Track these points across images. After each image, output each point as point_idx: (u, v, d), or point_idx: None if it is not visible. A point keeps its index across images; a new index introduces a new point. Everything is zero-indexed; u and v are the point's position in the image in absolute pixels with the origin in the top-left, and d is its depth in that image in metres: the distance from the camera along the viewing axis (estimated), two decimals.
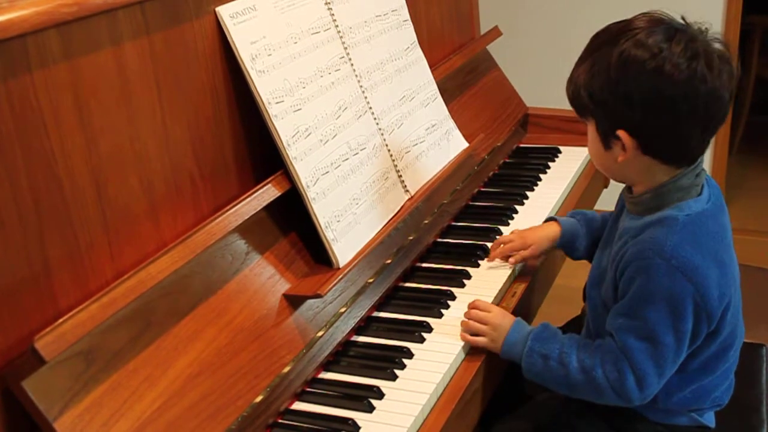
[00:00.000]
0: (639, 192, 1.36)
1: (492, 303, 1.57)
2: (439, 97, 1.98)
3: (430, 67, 1.98)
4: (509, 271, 1.69)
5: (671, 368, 1.32)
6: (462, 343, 1.46)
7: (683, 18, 1.29)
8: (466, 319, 1.48)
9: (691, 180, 1.33)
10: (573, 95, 1.34)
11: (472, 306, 1.49)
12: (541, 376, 1.39)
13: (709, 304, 1.28)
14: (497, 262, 1.71)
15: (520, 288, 1.67)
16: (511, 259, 1.68)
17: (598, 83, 1.28)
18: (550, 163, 2.24)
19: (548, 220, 1.73)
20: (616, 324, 1.33)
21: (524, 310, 1.69)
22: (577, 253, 1.67)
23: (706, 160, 3.61)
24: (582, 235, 1.65)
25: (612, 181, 1.48)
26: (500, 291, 1.63)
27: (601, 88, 1.28)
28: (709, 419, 1.45)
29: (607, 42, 1.28)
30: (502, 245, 1.70)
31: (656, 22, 1.28)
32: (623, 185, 1.43)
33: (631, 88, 1.25)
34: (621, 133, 1.28)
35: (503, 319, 1.45)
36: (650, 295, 1.28)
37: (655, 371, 1.31)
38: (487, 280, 1.67)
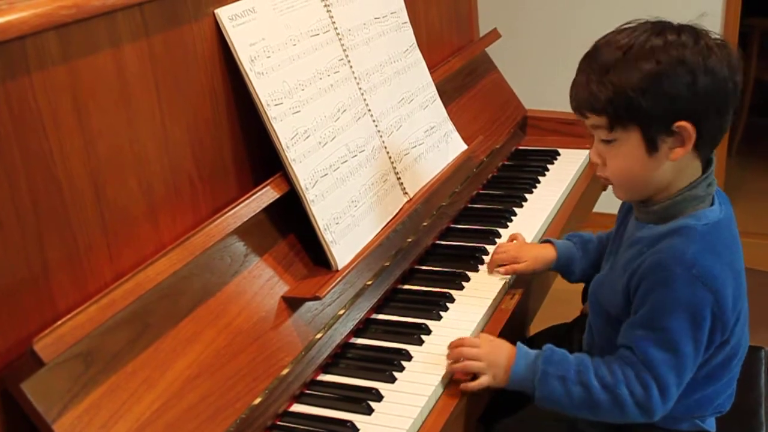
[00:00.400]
0: (654, 201, 1.35)
1: (488, 309, 1.58)
2: (438, 99, 1.98)
3: (429, 69, 1.98)
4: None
5: (688, 378, 1.32)
6: None
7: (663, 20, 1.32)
8: (454, 361, 1.40)
9: (704, 190, 1.33)
10: (614, 99, 1.26)
11: (457, 344, 1.41)
12: (560, 402, 1.34)
13: (725, 315, 1.28)
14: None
15: (518, 290, 1.67)
16: (501, 269, 1.67)
17: (651, 81, 1.24)
18: (548, 166, 2.24)
19: (545, 242, 1.71)
20: (635, 336, 1.31)
21: (522, 312, 1.69)
22: (573, 277, 1.66)
23: None
24: (578, 258, 1.64)
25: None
26: (499, 293, 1.63)
27: (657, 84, 1.24)
28: (711, 425, 1.45)
29: (640, 45, 1.26)
30: (499, 256, 1.70)
31: (658, 23, 1.29)
32: None
33: (687, 81, 1.24)
34: (684, 124, 1.25)
35: (497, 348, 1.39)
36: (671, 304, 1.27)
37: (676, 382, 1.30)
38: (485, 283, 1.67)
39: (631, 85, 1.25)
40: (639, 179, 1.33)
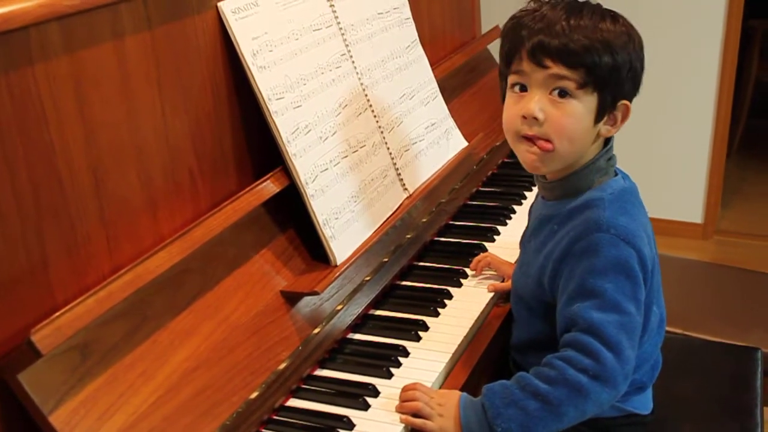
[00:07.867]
0: (555, 177, 1.38)
1: (486, 305, 1.58)
2: (440, 95, 1.98)
3: (431, 65, 1.98)
4: None
5: (637, 341, 1.28)
6: (459, 341, 1.47)
7: None
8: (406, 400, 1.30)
9: (605, 162, 1.37)
10: (607, 66, 1.28)
11: (411, 388, 1.32)
12: (526, 426, 1.22)
13: (646, 267, 1.30)
14: None
15: None
16: (490, 286, 1.64)
17: (636, 62, 1.31)
18: None
19: None
20: (575, 309, 1.26)
21: None
22: None
23: (704, 163, 3.61)
24: None
25: None
26: (496, 292, 1.63)
27: (638, 66, 1.32)
28: (638, 405, 1.42)
29: (626, 27, 1.32)
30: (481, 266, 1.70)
31: None
32: None
33: (642, 67, 1.33)
34: (627, 103, 1.33)
35: (448, 399, 1.29)
36: (602, 267, 1.27)
37: (629, 343, 1.25)
38: (483, 280, 1.67)
39: (629, 62, 1.29)
40: (577, 144, 1.32)
